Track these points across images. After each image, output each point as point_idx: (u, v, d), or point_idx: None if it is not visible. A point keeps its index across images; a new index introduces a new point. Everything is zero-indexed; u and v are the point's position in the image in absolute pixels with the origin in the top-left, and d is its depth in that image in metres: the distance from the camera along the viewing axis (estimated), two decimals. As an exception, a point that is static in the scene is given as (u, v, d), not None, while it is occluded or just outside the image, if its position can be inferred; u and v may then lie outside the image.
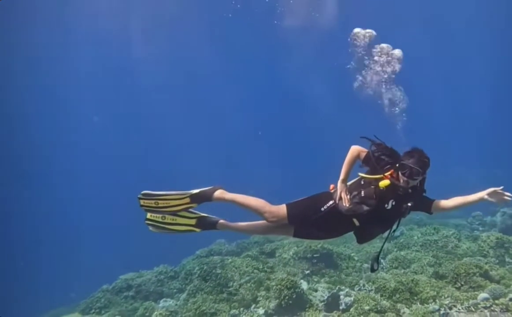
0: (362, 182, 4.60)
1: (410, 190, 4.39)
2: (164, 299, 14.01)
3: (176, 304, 13.14)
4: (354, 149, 4.70)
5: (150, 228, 4.93)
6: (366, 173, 4.59)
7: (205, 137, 42.38)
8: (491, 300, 10.09)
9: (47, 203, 35.87)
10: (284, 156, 41.11)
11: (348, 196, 4.55)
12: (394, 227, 4.68)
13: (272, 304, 11.52)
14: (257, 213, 4.64)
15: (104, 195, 37.26)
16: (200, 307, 11.90)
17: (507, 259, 13.19)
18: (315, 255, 14.08)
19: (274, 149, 41.19)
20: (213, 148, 40.95)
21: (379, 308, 10.69)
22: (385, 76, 5.17)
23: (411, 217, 16.34)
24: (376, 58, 5.09)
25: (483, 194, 4.39)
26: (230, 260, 14.64)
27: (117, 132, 41.89)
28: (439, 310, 10.25)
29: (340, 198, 4.59)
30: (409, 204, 4.41)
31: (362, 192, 4.50)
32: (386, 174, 4.38)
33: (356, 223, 4.54)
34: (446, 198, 4.62)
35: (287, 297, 11.39)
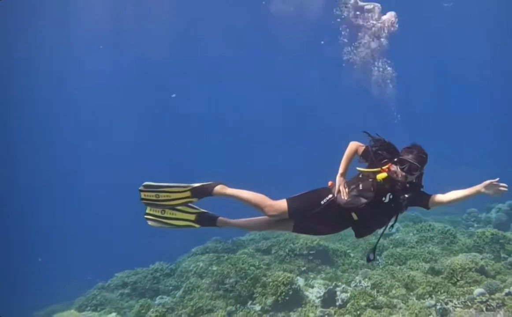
0: (360, 176, 4.64)
1: (408, 185, 4.45)
2: (160, 296, 13.97)
3: (172, 301, 13.09)
4: (353, 144, 4.80)
5: (149, 222, 4.90)
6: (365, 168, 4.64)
7: (202, 137, 42.41)
8: (487, 295, 10.13)
9: (45, 201, 35.80)
10: (279, 152, 41.13)
11: (347, 190, 4.59)
12: (392, 222, 4.74)
13: (269, 300, 11.52)
14: (257, 208, 4.62)
15: (99, 194, 37.19)
16: (197, 304, 11.89)
17: (502, 255, 13.22)
18: (311, 252, 14.11)
19: (269, 145, 41.24)
20: (211, 149, 40.95)
21: (375, 304, 10.72)
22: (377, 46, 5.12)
23: (407, 214, 16.39)
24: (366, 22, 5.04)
25: (479, 187, 4.43)
26: (226, 257, 14.65)
27: (115, 132, 41.81)
28: (435, 305, 10.29)
29: (339, 191, 4.62)
30: (406, 196, 4.46)
31: (360, 186, 4.52)
32: (384, 167, 4.42)
33: (355, 217, 4.56)
34: (443, 192, 4.64)
35: (283, 294, 11.41)
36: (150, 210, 4.89)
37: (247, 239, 16.98)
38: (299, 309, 11.23)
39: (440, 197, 4.59)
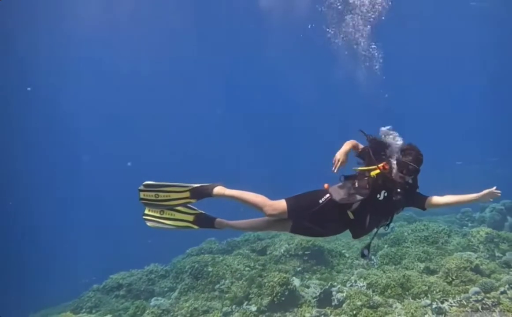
0: (357, 175, 4.67)
1: (406, 186, 4.52)
2: (155, 297, 13.92)
3: (168, 302, 13.06)
4: (351, 140, 4.88)
5: (148, 223, 4.91)
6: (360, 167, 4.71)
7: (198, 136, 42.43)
8: (482, 293, 10.18)
9: (38, 202, 35.66)
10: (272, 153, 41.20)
11: (343, 191, 4.61)
12: (388, 222, 4.79)
13: (265, 301, 11.51)
14: (256, 208, 4.63)
15: (95, 196, 37.10)
16: (192, 305, 11.89)
17: (497, 254, 13.30)
18: (306, 252, 14.12)
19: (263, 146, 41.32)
20: (209, 148, 40.93)
21: (371, 304, 10.74)
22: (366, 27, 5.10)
23: (401, 214, 16.44)
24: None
25: (477, 196, 4.57)
26: (221, 258, 14.62)
27: (113, 132, 41.79)
28: (431, 304, 10.32)
29: (334, 162, 4.74)
30: (398, 190, 4.48)
31: (356, 183, 4.58)
32: (379, 165, 4.48)
33: (351, 216, 4.58)
34: (441, 195, 4.71)
35: (279, 294, 11.41)
36: (149, 211, 4.90)
37: (242, 240, 16.95)
38: (295, 309, 11.23)
39: (437, 199, 4.64)
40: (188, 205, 4.89)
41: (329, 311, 10.94)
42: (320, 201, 4.62)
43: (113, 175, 38.05)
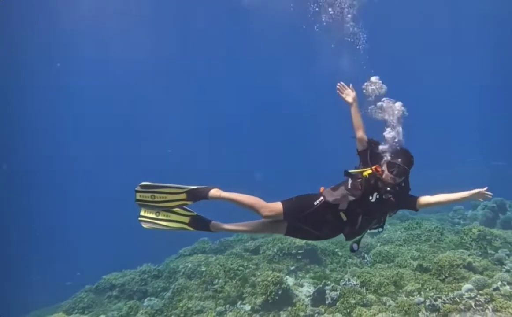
0: (350, 178, 4.76)
1: (397, 188, 4.63)
2: (148, 298, 13.90)
3: (161, 303, 13.01)
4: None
5: (144, 225, 4.91)
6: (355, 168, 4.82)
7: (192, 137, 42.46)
8: (475, 291, 10.21)
9: (33, 203, 35.56)
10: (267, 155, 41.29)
11: (336, 192, 4.71)
12: (381, 223, 4.91)
13: (259, 300, 11.50)
14: (253, 210, 4.67)
15: (87, 196, 36.98)
16: (186, 304, 11.83)
17: (489, 251, 13.35)
18: (299, 251, 14.12)
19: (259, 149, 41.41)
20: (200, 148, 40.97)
21: (365, 302, 10.76)
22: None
23: (394, 212, 16.50)
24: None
25: (467, 194, 4.70)
26: (214, 257, 14.61)
27: (111, 133, 41.76)
28: (424, 302, 10.33)
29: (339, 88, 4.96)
30: (388, 189, 4.58)
31: (349, 185, 4.69)
32: (372, 167, 4.62)
33: (344, 217, 4.68)
34: (431, 194, 4.85)
35: (273, 293, 11.39)
36: (145, 212, 4.90)
37: (235, 240, 16.95)
38: (289, 308, 11.21)
39: (428, 199, 4.78)
40: (184, 207, 4.89)
41: (323, 310, 10.95)
42: (315, 203, 4.71)
43: (108, 175, 38.00)
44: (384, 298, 10.95)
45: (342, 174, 4.83)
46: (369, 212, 4.69)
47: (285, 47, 36.65)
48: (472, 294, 10.05)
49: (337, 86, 5.00)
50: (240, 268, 13.48)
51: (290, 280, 12.67)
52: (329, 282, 12.14)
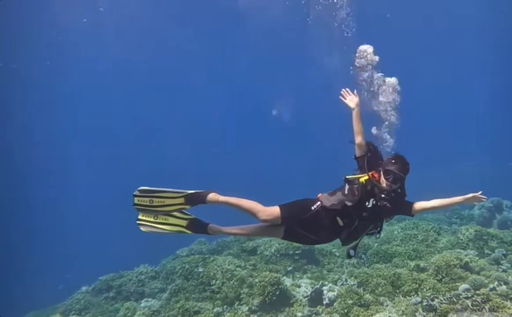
0: (347, 184, 4.82)
1: (393, 194, 4.71)
2: (145, 299, 13.87)
3: (158, 304, 13.00)
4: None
5: (142, 228, 4.92)
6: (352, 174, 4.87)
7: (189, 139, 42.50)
8: (472, 290, 10.24)
9: (29, 204, 35.52)
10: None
11: (334, 197, 4.77)
12: (378, 229, 4.97)
13: (256, 301, 11.51)
14: (250, 214, 4.70)
15: (84, 197, 36.93)
16: (184, 305, 11.80)
17: (486, 251, 13.39)
18: (297, 252, 14.13)
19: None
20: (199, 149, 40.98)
21: (362, 302, 10.77)
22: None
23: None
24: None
25: (462, 199, 4.81)
26: (211, 258, 14.57)
27: (110, 133, 41.77)
28: (421, 302, 10.36)
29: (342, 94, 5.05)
30: (382, 195, 4.67)
31: (346, 190, 4.75)
32: (369, 173, 4.71)
33: (340, 222, 4.75)
34: (427, 199, 4.89)
35: (270, 294, 11.40)
36: (143, 215, 4.91)
37: (232, 240, 16.92)
38: (287, 309, 11.23)
39: (423, 204, 4.85)
40: (182, 210, 4.91)
41: (320, 310, 10.97)
42: (312, 208, 4.76)
43: (106, 176, 37.97)
44: (382, 298, 10.99)
45: (337, 176, 4.87)
46: (365, 217, 4.74)
47: (279, 47, 36.71)
48: (469, 294, 10.08)
49: (341, 92, 5.09)
50: (238, 268, 13.49)
51: (287, 281, 12.67)
52: (326, 283, 12.18)
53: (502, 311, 9.11)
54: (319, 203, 4.76)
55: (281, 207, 4.74)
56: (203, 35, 37.65)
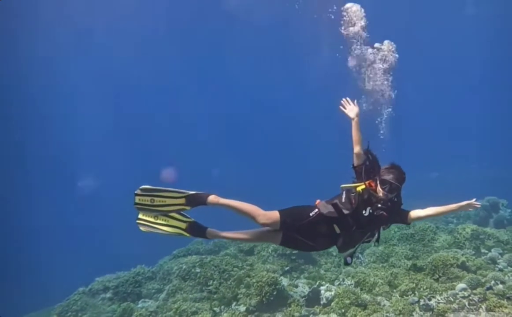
0: (344, 192, 4.89)
1: (389, 203, 4.72)
2: (142, 299, 13.85)
3: (155, 304, 12.98)
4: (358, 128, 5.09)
5: (141, 227, 4.92)
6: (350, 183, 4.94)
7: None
8: (469, 290, 10.29)
9: (27, 205, 35.46)
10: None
11: (331, 205, 4.80)
12: (375, 237, 5.02)
13: (253, 301, 11.50)
14: (250, 217, 4.71)
15: (78, 197, 36.87)
16: (181, 306, 11.80)
17: (482, 250, 13.45)
18: (294, 252, 14.13)
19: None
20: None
21: (359, 302, 10.78)
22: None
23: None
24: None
25: (456, 207, 4.85)
26: (209, 259, 14.55)
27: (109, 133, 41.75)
28: (418, 301, 10.38)
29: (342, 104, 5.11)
30: (379, 206, 4.69)
31: (343, 198, 4.81)
32: (365, 182, 4.76)
33: (337, 230, 4.80)
34: (422, 207, 4.95)
35: (268, 294, 11.40)
36: (143, 215, 4.91)
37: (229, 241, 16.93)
38: (284, 309, 11.22)
39: (418, 213, 4.90)
40: (182, 212, 4.91)
41: (318, 310, 10.98)
42: (311, 214, 4.79)
43: (104, 176, 37.93)
44: (379, 298, 11.01)
45: (331, 178, 4.90)
46: (362, 225, 4.78)
47: (277, 48, 36.82)
48: (466, 294, 10.13)
49: (341, 102, 5.14)
50: (235, 269, 13.49)
51: (284, 281, 12.69)
52: (323, 282, 12.21)
53: (499, 310, 9.15)
54: (316, 210, 4.80)
55: (280, 212, 4.76)
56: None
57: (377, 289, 11.40)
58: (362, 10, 5.29)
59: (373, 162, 4.88)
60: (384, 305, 10.65)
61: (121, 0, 33.74)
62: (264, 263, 14.15)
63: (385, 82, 5.40)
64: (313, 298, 11.48)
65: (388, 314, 9.99)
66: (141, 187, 4.75)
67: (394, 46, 5.18)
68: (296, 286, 12.50)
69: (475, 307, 9.64)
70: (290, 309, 11.09)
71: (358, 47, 5.30)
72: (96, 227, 31.01)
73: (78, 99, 39.13)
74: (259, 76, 41.15)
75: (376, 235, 5.01)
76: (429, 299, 10.25)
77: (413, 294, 10.80)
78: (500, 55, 37.74)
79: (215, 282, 12.94)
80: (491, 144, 36.94)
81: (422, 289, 10.91)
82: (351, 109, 5.06)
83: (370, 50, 5.18)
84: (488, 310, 9.35)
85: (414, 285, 11.13)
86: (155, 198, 4.74)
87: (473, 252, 13.27)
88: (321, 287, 11.78)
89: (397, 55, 5.42)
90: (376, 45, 5.17)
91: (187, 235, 4.94)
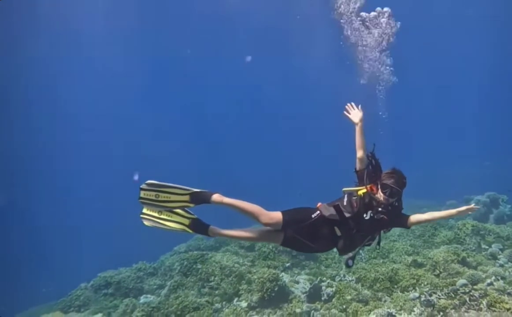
0: (346, 195, 4.95)
1: (390, 207, 4.79)
2: (144, 295, 13.92)
3: (157, 300, 13.03)
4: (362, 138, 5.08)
5: (145, 222, 4.93)
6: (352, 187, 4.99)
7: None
8: (469, 286, 10.31)
9: (29, 201, 35.52)
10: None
11: (333, 208, 4.84)
12: (375, 241, 5.11)
13: (255, 297, 11.55)
14: (253, 216, 4.74)
15: (80, 195, 36.89)
16: (183, 302, 11.84)
17: (483, 246, 13.50)
18: (294, 249, 14.13)
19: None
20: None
21: (360, 298, 10.83)
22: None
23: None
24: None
25: (455, 212, 4.91)
26: (210, 255, 14.60)
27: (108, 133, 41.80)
28: (419, 297, 10.42)
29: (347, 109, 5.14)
30: (380, 209, 4.75)
31: (345, 202, 4.88)
32: (367, 186, 4.81)
33: (338, 232, 4.85)
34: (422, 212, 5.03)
35: (269, 290, 11.44)
36: (147, 210, 4.92)
37: (230, 237, 16.92)
38: (285, 305, 11.27)
39: (418, 217, 4.97)
40: (186, 209, 4.92)
41: (319, 306, 11.01)
42: (313, 216, 4.84)
43: (103, 173, 37.94)
44: (380, 294, 11.06)
45: (332, 180, 4.94)
46: (363, 228, 4.83)
47: (266, 47, 36.90)
48: (467, 289, 10.15)
49: (346, 107, 5.15)
50: (236, 265, 13.53)
51: (286, 277, 12.73)
52: (324, 279, 12.24)
53: (499, 306, 9.18)
54: (318, 212, 4.84)
55: (283, 212, 4.80)
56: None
57: (378, 285, 11.44)
58: None
59: (376, 167, 4.93)
60: (385, 301, 10.70)
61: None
62: (265, 260, 14.18)
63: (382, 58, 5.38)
64: (314, 294, 11.50)
65: (389, 310, 10.03)
66: (147, 182, 4.77)
67: (388, 11, 5.13)
68: (297, 282, 12.56)
69: (476, 303, 9.66)
70: (291, 305, 11.15)
71: (353, 20, 5.27)
72: (98, 224, 31.04)
73: (78, 99, 39.13)
74: (259, 76, 41.17)
75: (377, 238, 5.07)
76: (430, 295, 10.27)
77: (414, 290, 10.85)
78: (500, 55, 37.79)
79: (216, 278, 12.98)
80: (491, 140, 36.95)
81: (423, 285, 10.95)
82: (355, 114, 5.08)
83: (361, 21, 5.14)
84: (489, 305, 9.37)
85: (415, 281, 11.17)
86: (160, 194, 4.77)
87: (474, 248, 13.32)
88: (322, 283, 11.81)
89: (398, 23, 5.37)
90: (364, 13, 5.14)
91: (190, 231, 4.96)
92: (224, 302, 11.99)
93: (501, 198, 18.87)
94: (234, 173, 35.59)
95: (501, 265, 11.90)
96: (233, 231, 5.02)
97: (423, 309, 10.01)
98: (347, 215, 4.76)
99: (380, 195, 4.74)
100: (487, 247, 13.37)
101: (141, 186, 4.76)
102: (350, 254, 5.09)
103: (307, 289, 11.86)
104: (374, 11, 5.09)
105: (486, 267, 11.48)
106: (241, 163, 39.95)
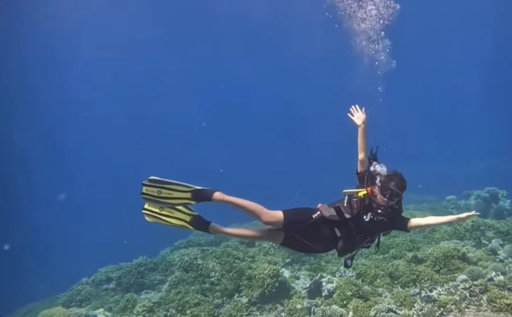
0: (346, 197, 4.99)
1: (389, 210, 4.81)
2: (145, 290, 13.95)
3: (158, 295, 13.05)
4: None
5: (147, 218, 4.96)
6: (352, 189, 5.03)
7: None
8: (470, 281, 10.34)
9: (29, 198, 35.56)
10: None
11: (333, 209, 4.88)
12: (374, 243, 5.13)
13: (256, 293, 11.58)
14: (254, 215, 4.78)
15: (81, 192, 36.94)
16: (184, 297, 11.88)
17: (483, 241, 13.53)
18: (295, 245, 14.15)
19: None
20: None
21: (361, 294, 10.86)
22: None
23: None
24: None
25: (455, 218, 5.05)
26: (210, 250, 14.65)
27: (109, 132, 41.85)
28: (420, 293, 10.46)
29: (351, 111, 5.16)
30: (379, 211, 4.77)
31: (345, 203, 4.92)
32: (367, 188, 4.84)
33: (338, 233, 4.89)
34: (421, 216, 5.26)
35: (270, 286, 11.49)
36: (149, 205, 4.95)
37: (230, 232, 16.94)
38: (286, 301, 11.32)
39: (418, 221, 5.07)
40: (188, 206, 4.94)
41: (319, 302, 11.04)
42: (313, 217, 4.88)
43: (101, 172, 37.98)
44: (380, 290, 11.09)
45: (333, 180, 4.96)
46: (362, 230, 4.87)
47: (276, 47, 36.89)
48: (467, 285, 10.19)
49: (350, 109, 5.18)
50: (236, 261, 13.56)
51: (286, 273, 12.77)
52: (325, 274, 12.25)
53: (500, 301, 9.22)
54: (319, 213, 4.88)
55: (284, 212, 4.83)
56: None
57: (378, 280, 11.49)
58: None
59: (376, 169, 4.92)
60: (385, 297, 10.73)
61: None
62: (265, 255, 14.23)
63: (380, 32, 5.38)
64: (314, 290, 11.55)
65: (389, 306, 10.06)
66: (149, 178, 4.76)
67: None
68: (298, 278, 12.60)
69: (476, 298, 9.71)
70: (292, 301, 11.21)
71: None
72: (98, 219, 31.07)
73: (81, 98, 39.19)
74: (259, 76, 41.20)
75: (376, 240, 5.10)
76: (430, 291, 10.32)
77: (414, 286, 10.89)
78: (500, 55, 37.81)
79: (217, 273, 13.02)
80: (491, 135, 36.96)
81: (423, 280, 10.99)
82: (358, 117, 5.10)
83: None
84: (489, 301, 9.42)
85: (415, 276, 11.21)
86: (162, 190, 4.76)
87: (474, 244, 13.34)
88: (323, 279, 11.82)
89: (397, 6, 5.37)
90: None
91: (191, 228, 4.99)
92: (224, 298, 12.02)
93: (501, 193, 18.88)
94: (236, 172, 35.60)
95: (501, 261, 11.91)
96: (233, 229, 5.10)
97: (423, 305, 10.05)
98: (347, 216, 4.80)
99: (380, 198, 4.76)
100: (487, 242, 13.39)
101: (143, 182, 4.75)
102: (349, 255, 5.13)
103: (308, 285, 11.91)
104: None
105: (486, 263, 11.49)
106: (241, 163, 39.97)
